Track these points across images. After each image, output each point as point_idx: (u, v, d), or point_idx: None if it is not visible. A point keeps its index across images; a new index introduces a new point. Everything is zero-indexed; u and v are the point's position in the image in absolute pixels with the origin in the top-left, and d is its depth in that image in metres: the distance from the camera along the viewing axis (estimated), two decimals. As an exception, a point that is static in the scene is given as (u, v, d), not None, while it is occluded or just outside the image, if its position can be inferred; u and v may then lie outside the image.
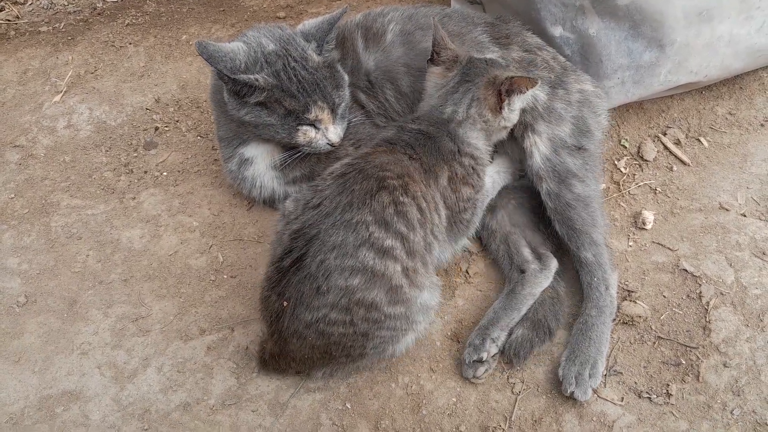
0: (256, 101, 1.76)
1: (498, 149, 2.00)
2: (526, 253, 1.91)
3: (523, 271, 1.87)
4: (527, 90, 1.73)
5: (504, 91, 1.73)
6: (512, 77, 1.72)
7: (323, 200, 1.58)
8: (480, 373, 1.72)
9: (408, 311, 1.58)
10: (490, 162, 1.95)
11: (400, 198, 1.57)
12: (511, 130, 1.92)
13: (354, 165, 1.64)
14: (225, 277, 1.97)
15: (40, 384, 1.76)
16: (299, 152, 1.89)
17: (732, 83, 2.32)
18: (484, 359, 1.71)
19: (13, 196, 2.20)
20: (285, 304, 1.55)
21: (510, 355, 1.76)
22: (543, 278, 1.86)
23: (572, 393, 1.66)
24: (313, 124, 1.82)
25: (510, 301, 1.82)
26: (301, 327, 1.56)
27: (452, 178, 1.74)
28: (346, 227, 1.52)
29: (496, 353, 1.75)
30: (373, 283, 1.51)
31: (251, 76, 1.71)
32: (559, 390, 1.70)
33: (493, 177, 1.95)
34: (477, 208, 1.83)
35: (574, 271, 1.90)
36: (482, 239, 2.00)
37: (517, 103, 1.78)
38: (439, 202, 1.70)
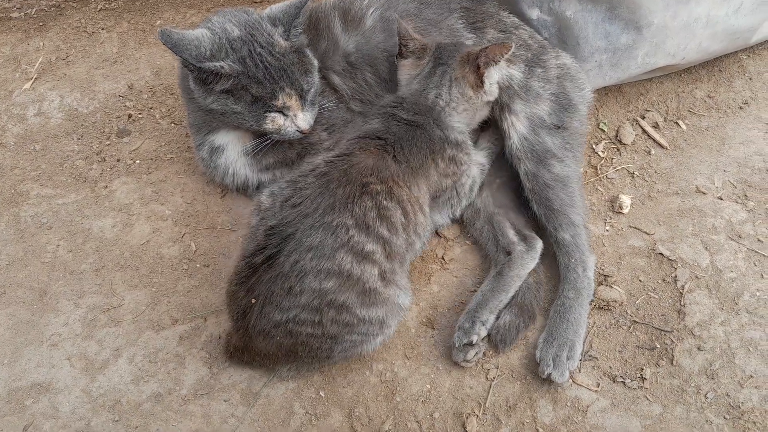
0: (222, 89, 1.72)
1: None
2: (511, 234, 1.89)
3: (509, 253, 1.85)
4: (502, 57, 1.72)
5: (482, 63, 1.72)
6: (485, 48, 1.72)
7: (304, 200, 1.55)
8: (470, 356, 1.70)
9: (385, 314, 1.58)
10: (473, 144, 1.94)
11: (384, 203, 1.56)
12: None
13: (337, 165, 1.61)
14: (198, 266, 1.94)
15: (9, 376, 1.74)
16: (269, 139, 1.85)
17: (711, 66, 2.31)
18: (474, 342, 1.70)
19: (-19, 185, 2.16)
20: (253, 301, 1.52)
21: (496, 341, 1.74)
22: (530, 259, 1.85)
23: (549, 375, 1.65)
24: (281, 111, 1.78)
25: (498, 283, 1.80)
26: (269, 326, 1.53)
27: (440, 172, 1.74)
28: (326, 229, 1.50)
29: (485, 336, 1.74)
30: (346, 287, 1.49)
31: (216, 64, 1.67)
32: (533, 375, 1.70)
33: (489, 148, 1.95)
34: (465, 190, 1.86)
35: (551, 255, 1.89)
36: (465, 217, 1.98)
37: (495, 74, 1.78)
38: (425, 201, 1.69)
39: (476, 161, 1.88)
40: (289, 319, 1.52)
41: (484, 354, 1.74)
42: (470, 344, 1.70)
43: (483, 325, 1.72)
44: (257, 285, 1.53)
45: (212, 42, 1.71)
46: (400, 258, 1.62)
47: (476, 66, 1.75)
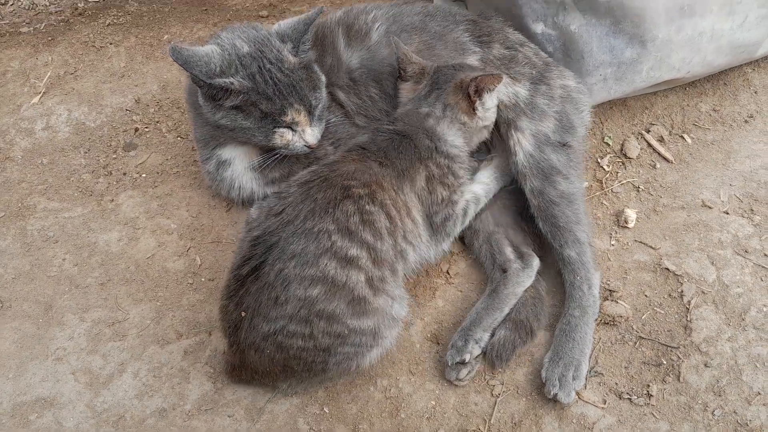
0: (231, 105, 1.73)
1: (493, 150, 2.00)
2: (509, 252, 1.89)
3: (505, 270, 1.84)
4: (495, 86, 1.73)
5: (472, 92, 1.73)
6: (476, 77, 1.72)
7: (285, 207, 1.55)
8: (463, 375, 1.70)
9: (377, 324, 1.55)
10: (475, 161, 1.93)
11: (367, 207, 1.55)
12: (497, 128, 1.90)
13: (319, 173, 1.62)
14: (203, 280, 1.95)
15: (14, 390, 1.74)
16: (277, 154, 1.86)
17: (716, 79, 2.30)
18: (466, 361, 1.69)
19: (-11, 199, 2.17)
20: (243, 314, 1.52)
21: (492, 357, 1.73)
22: (525, 277, 1.84)
23: (555, 395, 1.64)
24: (290, 126, 1.79)
25: (492, 301, 1.80)
26: (259, 339, 1.52)
27: (429, 178, 1.72)
28: (308, 236, 1.50)
29: (479, 354, 1.73)
30: (333, 294, 1.48)
31: (227, 80, 1.68)
32: (539, 392, 1.69)
33: (488, 183, 1.91)
34: (458, 211, 1.78)
35: (555, 271, 1.89)
36: (465, 238, 1.97)
37: (490, 101, 1.78)
38: (414, 206, 1.68)
39: (471, 189, 1.85)
40: (277, 331, 1.50)
41: (478, 372, 1.73)
42: (462, 363, 1.69)
43: (476, 343, 1.71)
44: (246, 297, 1.52)
45: (222, 58, 1.72)
46: (389, 266, 1.59)
47: (467, 94, 1.76)
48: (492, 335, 1.75)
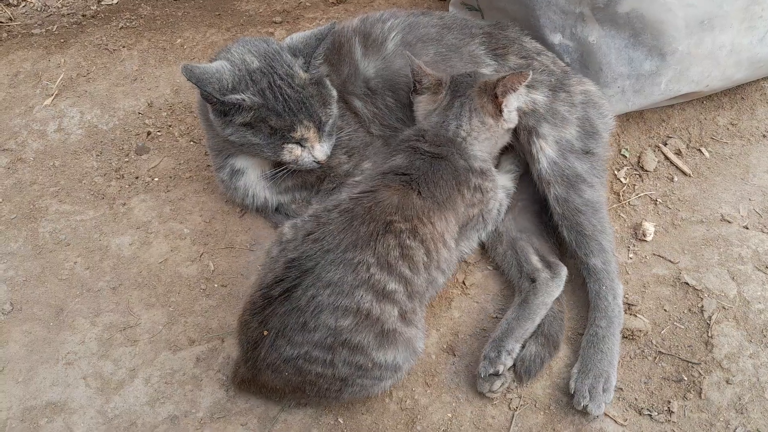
0: (242, 122, 1.72)
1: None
2: (535, 260, 1.86)
3: (533, 280, 1.82)
4: (519, 85, 1.72)
5: (500, 93, 1.72)
6: (503, 77, 1.72)
7: (326, 235, 1.53)
8: (496, 387, 1.67)
9: (401, 358, 1.53)
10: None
11: (407, 242, 1.54)
12: (516, 137, 1.90)
13: (362, 202, 1.59)
14: (216, 285, 1.92)
15: (24, 395, 1.71)
16: (286, 168, 1.85)
17: (733, 93, 2.29)
18: (500, 372, 1.66)
19: (0, 200, 2.15)
20: (265, 333, 1.49)
21: (521, 372, 1.71)
22: (555, 287, 1.81)
23: (585, 407, 1.61)
24: (299, 142, 1.78)
25: (523, 311, 1.77)
26: (279, 361, 1.50)
27: (466, 202, 1.72)
28: (346, 266, 1.48)
29: (511, 366, 1.70)
30: (364, 326, 1.46)
31: (237, 96, 1.67)
32: (557, 405, 1.66)
33: (508, 186, 1.92)
34: (493, 215, 1.83)
35: (572, 282, 1.87)
36: (487, 242, 1.94)
37: (513, 102, 1.78)
38: (449, 234, 1.66)
39: (502, 185, 1.86)
40: (299, 356, 1.48)
41: (510, 384, 1.70)
42: (496, 374, 1.66)
43: (509, 354, 1.68)
44: (271, 317, 1.50)
45: (233, 74, 1.70)
46: (420, 297, 1.59)
47: (494, 95, 1.75)
48: (522, 347, 1.73)
